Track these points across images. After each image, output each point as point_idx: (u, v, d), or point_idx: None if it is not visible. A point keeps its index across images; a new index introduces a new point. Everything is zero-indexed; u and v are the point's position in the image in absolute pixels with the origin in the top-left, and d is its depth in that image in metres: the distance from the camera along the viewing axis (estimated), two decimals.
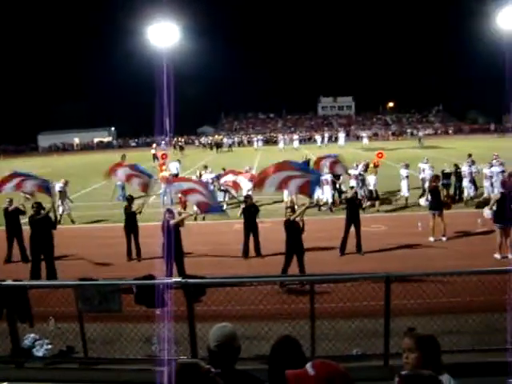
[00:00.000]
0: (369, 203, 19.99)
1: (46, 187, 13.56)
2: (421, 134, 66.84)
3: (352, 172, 20.47)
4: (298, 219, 11.57)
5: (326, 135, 67.56)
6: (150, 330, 7.80)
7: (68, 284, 7.33)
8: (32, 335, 8.14)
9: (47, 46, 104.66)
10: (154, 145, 51.35)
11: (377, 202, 20.21)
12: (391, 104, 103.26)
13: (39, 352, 7.92)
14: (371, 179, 20.51)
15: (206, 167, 23.45)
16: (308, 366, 2.69)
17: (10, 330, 7.24)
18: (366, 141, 62.07)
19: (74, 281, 7.21)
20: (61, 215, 19.42)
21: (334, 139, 68.39)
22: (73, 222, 19.95)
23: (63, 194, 19.91)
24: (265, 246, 13.68)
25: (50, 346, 8.05)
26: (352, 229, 13.62)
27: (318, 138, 65.84)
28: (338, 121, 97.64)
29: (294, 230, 11.52)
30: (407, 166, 21.35)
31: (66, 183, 20.27)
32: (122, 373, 6.76)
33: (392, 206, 20.54)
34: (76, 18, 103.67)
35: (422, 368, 3.23)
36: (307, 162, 24.08)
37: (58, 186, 19.64)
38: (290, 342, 3.42)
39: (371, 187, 20.41)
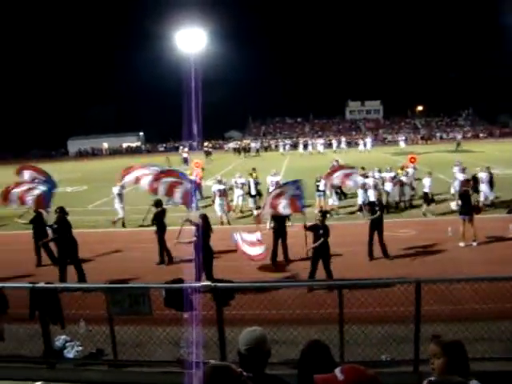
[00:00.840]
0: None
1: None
2: (459, 137, 65.32)
3: (387, 175, 20.49)
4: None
5: (343, 139, 66.99)
6: (178, 333, 7.84)
7: (99, 287, 7.42)
8: (63, 337, 8.25)
9: (77, 52, 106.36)
10: (186, 149, 51.74)
11: (431, 205, 19.87)
12: (420, 108, 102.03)
13: (70, 353, 8.03)
14: (426, 181, 20.14)
15: (254, 171, 23.30)
16: (337, 370, 2.68)
17: (42, 331, 7.38)
18: (402, 144, 60.98)
19: (105, 284, 7.29)
20: (119, 218, 19.88)
21: (353, 144, 67.93)
22: (123, 225, 19.95)
23: (121, 196, 20.13)
24: (293, 250, 13.63)
25: (80, 348, 8.16)
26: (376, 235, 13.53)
27: (334, 142, 64.98)
28: (366, 125, 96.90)
29: (319, 234, 11.50)
30: (430, 174, 21.09)
31: (123, 186, 20.49)
32: (150, 375, 6.82)
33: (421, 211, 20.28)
34: (104, 24, 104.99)
35: (448, 374, 3.20)
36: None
37: (116, 189, 19.93)
38: (319, 346, 3.41)
39: (426, 189, 20.06)
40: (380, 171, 21.07)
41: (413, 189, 21.75)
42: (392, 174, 20.91)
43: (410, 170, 22.19)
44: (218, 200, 19.93)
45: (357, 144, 64.20)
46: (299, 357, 3.39)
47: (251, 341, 3.39)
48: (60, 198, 17.78)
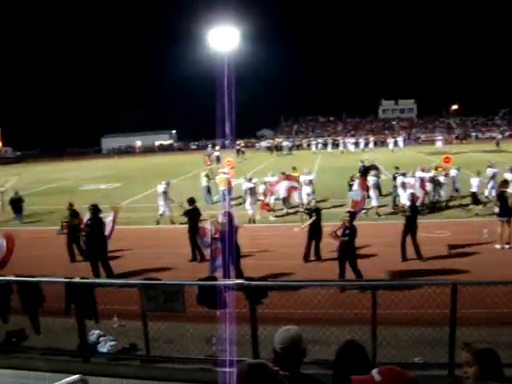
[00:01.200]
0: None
1: None
2: (499, 136, 63.80)
3: (426, 175, 20.24)
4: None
5: (372, 138, 66.22)
6: (210, 330, 7.88)
7: (134, 283, 7.48)
8: (97, 332, 8.37)
9: (111, 51, 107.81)
10: (218, 147, 52.05)
11: (479, 206, 19.56)
12: (455, 106, 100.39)
13: (103, 348, 8.15)
14: (474, 181, 19.81)
15: (294, 170, 23.22)
16: (374, 371, 2.64)
17: (78, 325, 7.49)
18: (439, 144, 59.92)
19: (140, 280, 7.36)
20: (161, 215, 20.07)
21: (382, 143, 67.23)
22: (173, 222, 19.92)
23: (166, 194, 20.35)
24: (325, 250, 13.56)
25: (113, 343, 8.27)
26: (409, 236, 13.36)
27: (349, 142, 64.10)
28: (400, 124, 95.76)
29: (345, 234, 11.43)
30: (478, 174, 20.67)
31: (168, 184, 20.68)
32: (182, 372, 6.84)
33: (456, 212, 19.96)
34: (137, 23, 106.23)
35: (482, 381, 3.14)
36: (363, 170, 23.78)
37: (161, 187, 20.19)
38: (355, 346, 3.37)
39: (474, 189, 19.74)
40: (423, 171, 20.76)
41: (456, 190, 21.43)
42: (431, 174, 20.61)
43: (453, 171, 21.73)
44: (248, 198, 19.96)
45: (385, 143, 63.47)
46: (334, 357, 3.36)
47: (287, 340, 3.37)
48: (93, 194, 18.06)
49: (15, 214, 22.36)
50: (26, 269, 10.70)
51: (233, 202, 22.62)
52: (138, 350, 7.92)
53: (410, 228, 13.29)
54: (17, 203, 22.22)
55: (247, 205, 19.95)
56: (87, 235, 13.01)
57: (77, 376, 4.43)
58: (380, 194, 21.71)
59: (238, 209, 20.78)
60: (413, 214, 13.44)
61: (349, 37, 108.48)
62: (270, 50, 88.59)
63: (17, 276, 8.23)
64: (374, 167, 23.07)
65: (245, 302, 6.86)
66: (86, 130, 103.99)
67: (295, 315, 8.01)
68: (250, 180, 20.55)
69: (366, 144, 63.14)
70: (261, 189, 20.51)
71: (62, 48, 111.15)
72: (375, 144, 65.80)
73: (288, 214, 20.65)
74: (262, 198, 20.36)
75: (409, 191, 16.45)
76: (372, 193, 20.29)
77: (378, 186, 20.78)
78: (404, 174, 20.00)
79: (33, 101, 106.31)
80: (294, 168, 23.20)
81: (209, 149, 59.12)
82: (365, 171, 23.49)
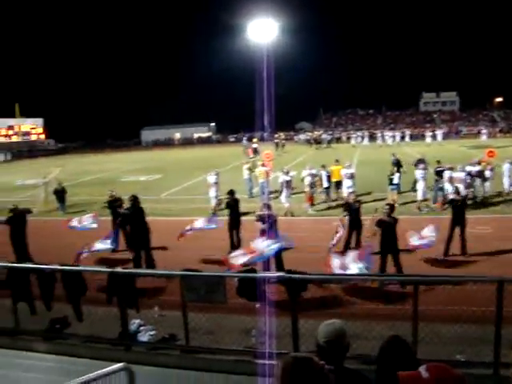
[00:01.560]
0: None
1: None
2: None
3: (473, 169, 19.83)
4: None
5: (408, 132, 64.98)
6: (250, 322, 7.90)
7: (176, 274, 7.53)
8: (137, 321, 8.48)
9: (151, 44, 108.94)
10: (256, 139, 52.06)
11: None
12: (499, 99, 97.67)
13: (144, 337, 8.26)
14: None
15: (337, 162, 22.88)
16: (422, 368, 2.59)
17: (120, 314, 7.63)
18: (484, 137, 58.41)
19: (181, 271, 7.42)
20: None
21: (418, 136, 65.94)
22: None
23: (217, 185, 20.46)
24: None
25: (153, 332, 8.37)
26: (457, 230, 13.07)
27: (387, 135, 62.78)
28: (441, 117, 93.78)
29: (387, 228, 11.24)
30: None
31: (217, 174, 20.84)
32: (222, 363, 6.89)
33: (499, 207, 19.47)
34: (177, 15, 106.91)
35: None
36: (397, 163, 23.38)
37: (212, 178, 20.36)
38: (399, 342, 3.32)
39: None
40: (472, 165, 20.31)
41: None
42: (478, 168, 20.14)
43: (507, 166, 21.13)
44: (284, 191, 19.91)
45: (423, 136, 62.16)
46: (378, 352, 3.31)
47: (331, 333, 3.33)
48: (134, 186, 18.29)
49: (59, 204, 22.88)
50: (69, 258, 10.92)
51: (271, 195, 22.59)
52: (178, 340, 7.98)
53: (459, 222, 13.03)
54: (60, 194, 22.71)
55: (283, 198, 19.89)
56: (125, 225, 13.18)
57: (121, 364, 4.50)
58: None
59: (274, 202, 20.72)
60: (461, 208, 13.16)
61: (390, 28, 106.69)
62: (310, 41, 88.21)
63: (61, 265, 8.42)
64: (422, 161, 22.59)
65: (284, 295, 6.85)
66: (127, 123, 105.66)
67: (334, 309, 7.96)
68: (286, 173, 20.48)
69: (402, 137, 62.08)
70: (307, 181, 20.41)
71: (105, 42, 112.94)
72: (412, 137, 64.63)
73: (329, 207, 20.50)
74: (307, 189, 20.21)
75: (458, 185, 16.09)
76: (419, 186, 19.87)
77: (425, 180, 20.37)
78: (451, 169, 19.56)
79: (75, 94, 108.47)
80: (336, 161, 22.95)
81: (244, 141, 59.25)
82: (397, 165, 23.14)
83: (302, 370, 2.32)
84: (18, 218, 13.67)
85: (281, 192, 20.62)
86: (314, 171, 21.22)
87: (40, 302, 8.73)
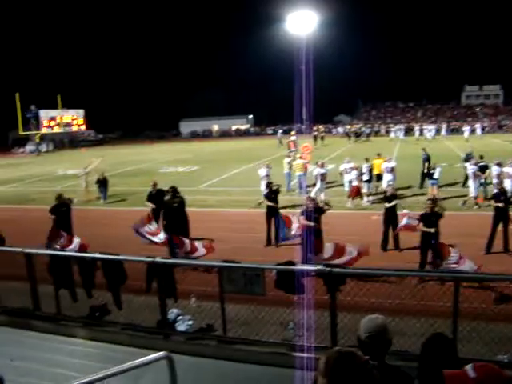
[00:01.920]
0: None
1: None
2: None
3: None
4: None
5: (444, 126, 63.36)
6: (287, 315, 7.90)
7: (214, 265, 7.57)
8: (175, 310, 8.57)
9: (189, 36, 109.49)
10: (293, 132, 51.83)
11: None
12: None
13: (181, 326, 8.33)
14: None
15: (379, 156, 22.63)
16: (468, 367, 2.53)
17: (160, 303, 7.73)
18: None
19: (219, 262, 7.45)
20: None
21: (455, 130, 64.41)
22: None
23: (269, 177, 20.51)
24: (403, 239, 13.22)
25: (191, 322, 8.44)
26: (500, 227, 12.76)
27: (425, 129, 61.34)
28: (484, 110, 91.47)
29: (429, 223, 11.07)
30: None
31: (269, 167, 20.94)
32: (259, 354, 6.91)
33: None
34: (214, 7, 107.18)
35: None
36: (427, 158, 22.92)
37: (263, 171, 20.50)
38: (443, 339, 3.26)
39: None
40: None
41: None
42: None
43: None
44: (319, 184, 19.78)
45: (459, 131, 60.66)
46: (421, 350, 3.25)
47: (373, 328, 3.29)
48: (172, 177, 18.47)
49: (101, 194, 23.33)
50: (108, 247, 11.10)
51: (308, 188, 22.50)
52: (215, 330, 8.03)
53: (503, 218, 12.71)
54: (103, 184, 23.14)
55: (315, 190, 19.74)
56: (168, 215, 13.33)
57: (163, 353, 4.55)
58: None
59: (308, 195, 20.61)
60: (505, 204, 12.84)
61: (431, 19, 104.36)
62: (349, 33, 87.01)
63: (101, 253, 8.57)
64: (470, 155, 22.10)
65: (322, 288, 6.82)
66: (165, 114, 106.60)
67: (373, 304, 7.87)
68: (321, 166, 20.36)
69: (437, 131, 60.82)
70: (353, 174, 20.22)
71: (145, 34, 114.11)
72: (450, 131, 63.27)
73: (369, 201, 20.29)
74: (355, 183, 19.99)
75: (508, 181, 15.64)
76: (471, 182, 19.21)
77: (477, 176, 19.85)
78: (500, 164, 18.96)
79: (116, 85, 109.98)
80: (378, 155, 22.65)
81: (278, 134, 59.18)
82: (428, 161, 22.69)
83: (346, 364, 2.30)
84: (62, 207, 13.98)
85: (314, 185, 20.51)
86: (352, 164, 21.01)
87: (81, 289, 8.91)
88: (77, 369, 6.77)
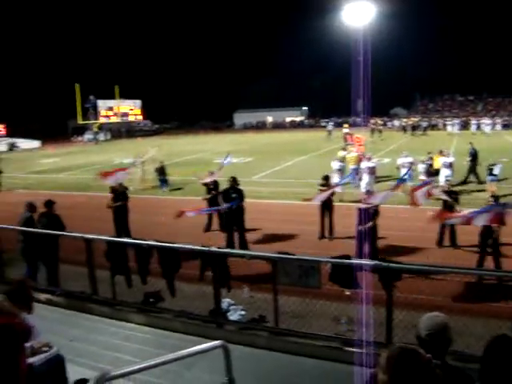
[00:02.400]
0: None
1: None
2: None
3: None
4: None
5: (499, 120, 60.82)
6: (341, 309, 7.83)
7: (270, 256, 7.54)
8: (228, 300, 8.63)
9: (243, 27, 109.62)
10: (346, 125, 51.30)
11: None
12: None
13: (233, 316, 8.38)
14: None
15: (441, 153, 21.91)
16: None
17: (214, 292, 7.81)
18: None
19: (274, 254, 7.44)
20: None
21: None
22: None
23: (342, 172, 20.59)
24: (461, 237, 12.84)
25: (243, 312, 8.47)
26: None
27: (483, 123, 59.06)
28: None
29: None
30: None
31: (342, 161, 20.92)
32: (311, 347, 6.88)
33: None
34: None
35: None
36: (474, 153, 22.11)
37: (336, 165, 20.57)
38: (508, 341, 3.13)
39: None
40: None
41: None
42: None
43: None
44: (367, 178, 19.44)
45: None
46: (484, 351, 3.13)
47: (434, 326, 3.20)
48: (226, 168, 18.59)
49: (160, 183, 23.73)
50: (164, 235, 11.29)
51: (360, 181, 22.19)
52: (267, 321, 8.04)
53: None
54: (161, 172, 23.54)
55: (363, 184, 19.40)
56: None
57: (219, 341, 4.59)
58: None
59: (355, 188, 20.30)
60: None
61: (493, 9, 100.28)
62: (407, 25, 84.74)
63: (157, 241, 8.72)
64: None
65: (377, 283, 6.71)
66: (220, 105, 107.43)
67: (428, 301, 7.71)
68: (369, 159, 20.02)
69: (494, 125, 58.84)
70: (420, 168, 19.78)
71: (201, 25, 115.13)
72: (507, 126, 61.06)
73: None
74: (422, 177, 19.53)
75: None
76: None
77: None
78: None
79: (172, 77, 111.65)
80: (440, 152, 21.97)
81: (329, 126, 58.82)
82: (474, 156, 21.95)
83: (409, 361, 2.24)
84: (120, 195, 14.31)
85: (360, 178, 20.18)
86: (410, 159, 20.56)
87: (136, 275, 9.10)
88: (132, 353, 6.94)
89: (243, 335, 7.46)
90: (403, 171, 20.34)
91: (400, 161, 20.85)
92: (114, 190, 14.50)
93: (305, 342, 7.04)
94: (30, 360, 4.62)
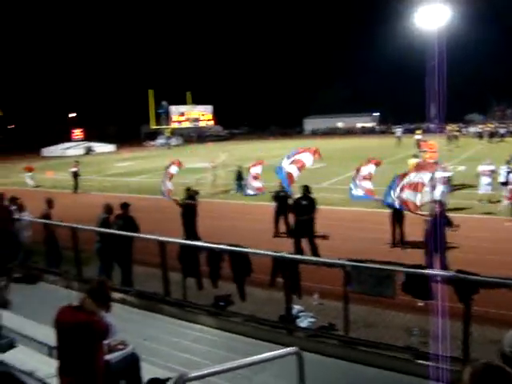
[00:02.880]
0: None
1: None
2: None
3: None
4: None
5: None
6: (413, 320, 7.63)
7: (342, 263, 7.44)
8: (297, 306, 8.59)
9: (314, 32, 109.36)
10: (419, 131, 50.00)
11: None
12: None
13: (303, 323, 8.33)
14: None
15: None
16: None
17: (286, 298, 7.80)
18: None
19: (347, 261, 7.34)
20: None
21: None
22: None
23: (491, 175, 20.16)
24: None
25: (313, 320, 8.42)
26: None
27: None
28: None
29: None
30: None
31: (491, 164, 20.60)
32: (382, 358, 6.72)
33: None
34: (339, 2, 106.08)
35: None
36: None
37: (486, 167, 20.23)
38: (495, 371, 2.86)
39: None
40: None
41: None
42: None
43: None
44: (441, 187, 18.71)
45: None
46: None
47: None
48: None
49: (237, 187, 23.98)
50: (235, 239, 11.32)
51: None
52: (336, 330, 7.94)
53: None
54: (239, 177, 23.78)
55: (436, 193, 18.62)
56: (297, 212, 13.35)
57: (293, 348, 4.56)
58: None
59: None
60: None
61: None
62: (483, 28, 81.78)
63: (229, 246, 8.79)
64: None
65: (451, 296, 6.46)
66: (290, 111, 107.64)
67: (505, 316, 7.36)
68: (443, 169, 19.31)
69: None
70: (502, 176, 19.02)
71: (271, 31, 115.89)
72: None
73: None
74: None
75: None
76: None
77: None
78: None
79: (243, 83, 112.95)
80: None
81: (398, 133, 57.48)
82: None
83: (495, 378, 2.13)
84: (190, 197, 14.57)
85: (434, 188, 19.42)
86: (493, 167, 19.73)
87: (207, 279, 9.22)
88: (202, 355, 7.03)
89: (312, 342, 7.39)
90: (483, 179, 19.59)
91: (481, 168, 20.02)
92: (187, 189, 14.78)
93: (375, 352, 6.89)
94: (107, 357, 4.77)
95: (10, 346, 5.37)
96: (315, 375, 4.95)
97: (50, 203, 12.50)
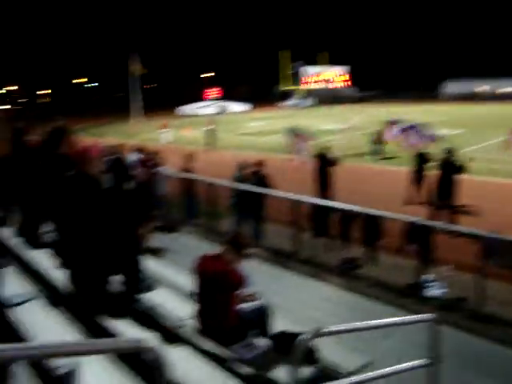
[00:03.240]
0: None
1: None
2: None
3: None
4: None
5: None
6: None
7: (482, 234, 7.13)
8: (428, 275, 8.37)
9: None
10: None
11: None
12: None
13: (432, 292, 8.11)
14: None
15: None
16: None
17: (416, 265, 7.66)
18: None
19: (487, 232, 7.02)
20: None
21: None
22: None
23: None
24: None
25: (444, 290, 8.16)
26: None
27: None
28: None
29: None
30: None
31: None
32: None
33: None
34: None
35: None
36: None
37: None
38: None
39: None
40: None
41: None
42: None
43: None
44: None
45: None
46: None
47: None
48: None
49: (373, 150, 23.69)
50: (369, 203, 11.11)
51: None
52: (469, 304, 7.64)
53: None
54: (379, 141, 23.47)
55: None
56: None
57: (431, 315, 4.49)
58: None
59: None
60: None
61: None
62: None
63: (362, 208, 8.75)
64: None
65: None
66: (427, 74, 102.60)
67: None
68: None
69: None
70: None
71: None
72: None
73: None
74: None
75: None
76: None
77: None
78: None
79: (382, 43, 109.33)
80: None
81: None
82: None
83: None
84: (323, 159, 14.46)
85: None
86: None
87: (337, 240, 9.28)
88: (328, 313, 7.14)
89: (441, 313, 7.21)
90: None
91: None
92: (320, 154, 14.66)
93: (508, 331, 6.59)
94: (240, 306, 5.03)
95: (149, 288, 5.76)
96: (445, 347, 4.82)
97: (189, 158, 13.07)
